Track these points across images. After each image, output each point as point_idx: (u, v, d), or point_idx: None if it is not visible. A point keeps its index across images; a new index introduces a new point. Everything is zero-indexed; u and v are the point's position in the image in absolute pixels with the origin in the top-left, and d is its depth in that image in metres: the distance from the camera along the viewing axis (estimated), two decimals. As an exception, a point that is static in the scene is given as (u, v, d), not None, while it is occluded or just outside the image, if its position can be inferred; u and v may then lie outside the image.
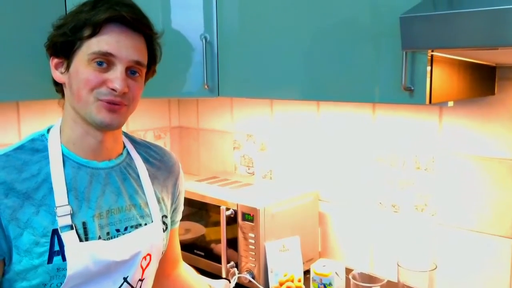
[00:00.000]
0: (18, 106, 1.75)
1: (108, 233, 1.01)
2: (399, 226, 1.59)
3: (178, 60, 1.54)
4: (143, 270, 1.07)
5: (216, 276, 1.61)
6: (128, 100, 0.99)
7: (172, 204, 1.19)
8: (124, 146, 1.12)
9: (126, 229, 1.04)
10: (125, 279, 1.03)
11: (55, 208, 0.95)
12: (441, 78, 1.14)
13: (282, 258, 1.53)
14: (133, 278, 1.05)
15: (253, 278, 1.54)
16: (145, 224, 1.07)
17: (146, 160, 1.14)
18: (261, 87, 1.44)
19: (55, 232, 0.94)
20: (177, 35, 1.52)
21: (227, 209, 1.57)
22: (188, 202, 1.70)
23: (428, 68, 1.09)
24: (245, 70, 1.46)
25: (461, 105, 1.42)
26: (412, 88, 1.11)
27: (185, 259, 1.36)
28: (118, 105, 0.97)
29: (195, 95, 1.58)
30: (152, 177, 1.13)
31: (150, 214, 1.09)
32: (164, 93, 1.59)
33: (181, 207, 1.25)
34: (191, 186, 1.75)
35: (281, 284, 1.51)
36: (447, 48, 1.03)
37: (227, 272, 1.57)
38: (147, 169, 1.12)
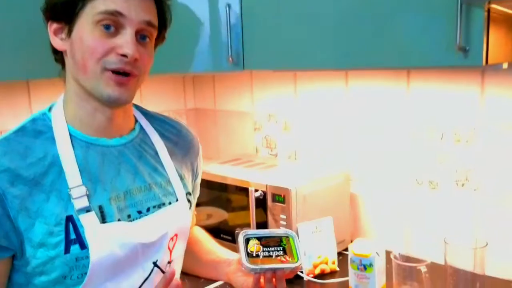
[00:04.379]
0: (28, 87, 1.66)
1: (129, 216, 0.93)
2: (438, 204, 1.50)
3: (198, 32, 1.43)
4: (171, 252, 0.99)
5: (244, 261, 1.53)
6: (138, 69, 0.89)
7: (192, 182, 1.11)
8: (136, 121, 1.02)
9: (148, 210, 0.95)
10: (154, 264, 0.95)
11: (69, 190, 0.86)
12: (497, 36, 1.05)
13: (315, 240, 1.45)
14: (162, 261, 0.97)
15: (286, 262, 1.45)
16: (169, 203, 0.99)
17: (161, 135, 1.04)
18: (291, 57, 1.32)
19: (69, 219, 0.86)
20: (198, 4, 1.41)
21: (256, 190, 1.48)
22: (211, 185, 1.62)
23: (485, 24, 0.99)
24: (272, 40, 1.35)
25: (504, 69, 1.32)
26: (467, 48, 1.01)
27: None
28: (128, 76, 0.88)
29: (219, 70, 1.48)
30: (170, 153, 1.03)
31: (174, 192, 1.01)
32: (184, 68, 1.49)
33: (198, 188, 1.16)
34: (213, 169, 1.66)
35: (315, 266, 1.45)
36: None
37: (257, 256, 1.49)
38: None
